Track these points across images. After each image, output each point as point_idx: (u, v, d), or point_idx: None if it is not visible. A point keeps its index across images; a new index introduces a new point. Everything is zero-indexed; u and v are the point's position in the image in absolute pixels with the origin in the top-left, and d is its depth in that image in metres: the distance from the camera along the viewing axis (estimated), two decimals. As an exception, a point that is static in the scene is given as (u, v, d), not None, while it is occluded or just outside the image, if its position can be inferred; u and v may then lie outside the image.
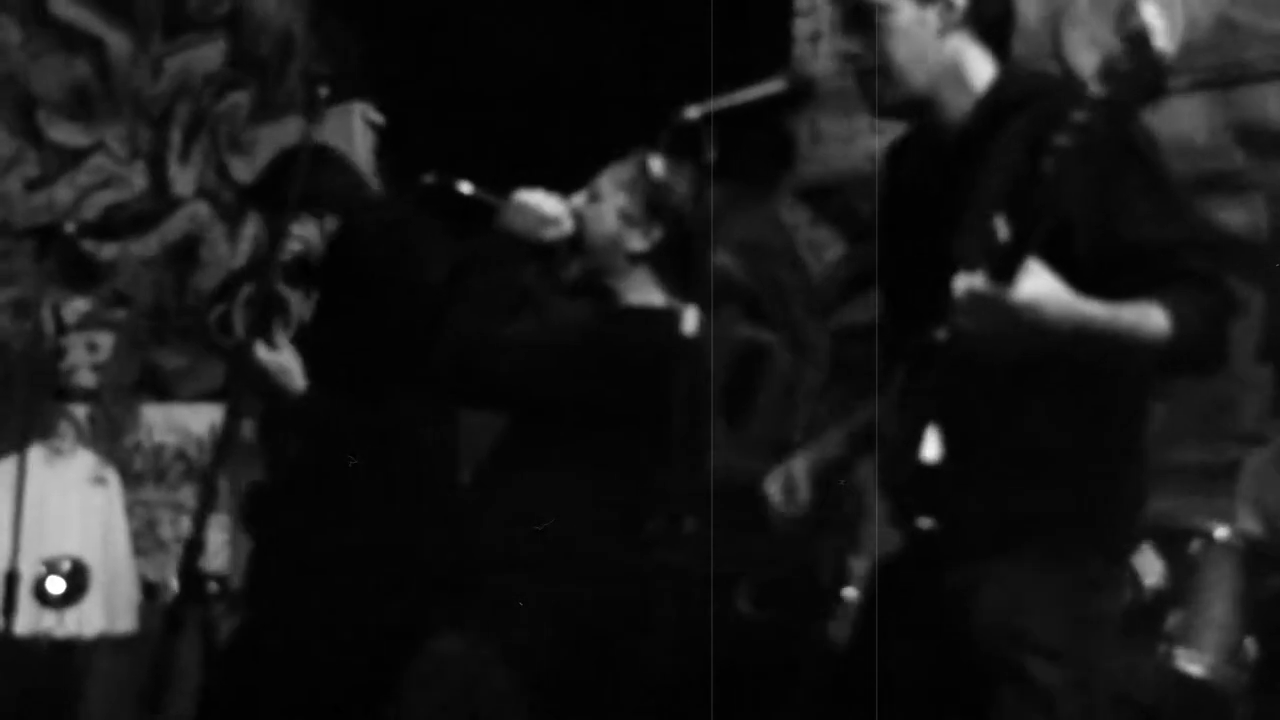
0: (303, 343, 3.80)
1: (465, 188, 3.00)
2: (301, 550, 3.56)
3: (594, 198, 3.02)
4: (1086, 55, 5.03)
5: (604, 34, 5.35)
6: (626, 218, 2.97)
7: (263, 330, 3.28)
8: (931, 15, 2.36)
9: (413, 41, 6.13)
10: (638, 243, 2.98)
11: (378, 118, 6.20)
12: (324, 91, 2.86)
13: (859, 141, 5.49)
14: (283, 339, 3.50)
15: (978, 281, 2.06)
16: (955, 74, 2.36)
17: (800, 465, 2.57)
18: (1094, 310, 2.10)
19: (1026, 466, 2.28)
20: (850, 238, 5.52)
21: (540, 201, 2.99)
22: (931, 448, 2.22)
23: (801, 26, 5.63)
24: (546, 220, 2.98)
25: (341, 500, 3.55)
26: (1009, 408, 2.25)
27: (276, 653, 3.51)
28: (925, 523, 2.30)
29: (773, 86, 2.60)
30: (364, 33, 6.51)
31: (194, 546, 2.59)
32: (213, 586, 2.48)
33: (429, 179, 2.99)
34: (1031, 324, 2.06)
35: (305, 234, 3.62)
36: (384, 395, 3.53)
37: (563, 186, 3.06)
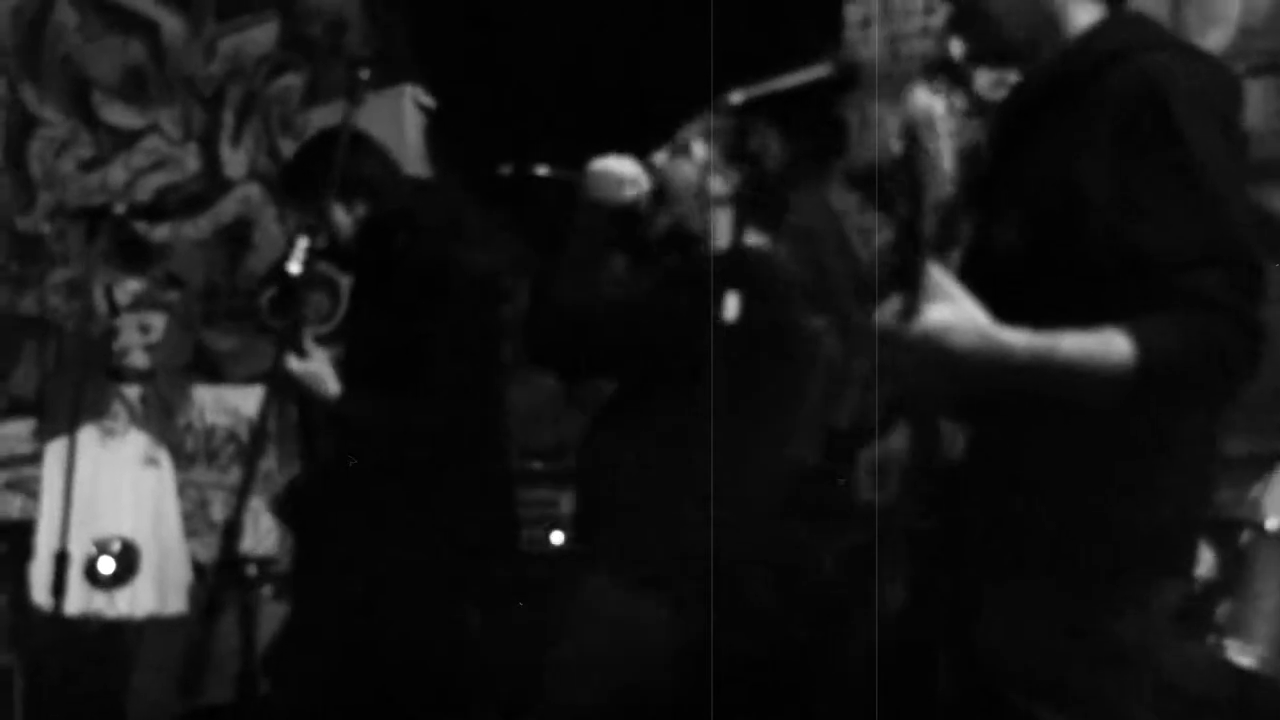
0: (341, 335, 3.82)
1: (542, 170, 3.04)
2: (343, 547, 3.58)
3: (677, 151, 3.06)
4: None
5: (655, 17, 5.34)
6: (706, 165, 3.00)
7: (291, 338, 3.28)
8: None
9: (464, 25, 6.12)
10: (719, 186, 3.00)
11: (428, 101, 6.22)
12: (365, 74, 2.86)
13: (910, 126, 5.46)
14: (311, 344, 3.49)
15: (887, 313, 1.91)
16: (1055, 21, 2.15)
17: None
18: (1016, 341, 1.86)
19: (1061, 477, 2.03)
20: (879, 229, 5.49)
21: (615, 165, 3.06)
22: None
23: (852, 12, 5.59)
24: (625, 181, 3.07)
25: (384, 498, 3.56)
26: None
27: (321, 647, 3.54)
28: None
29: (818, 72, 2.58)
30: (415, 16, 6.52)
31: (232, 530, 2.61)
32: (251, 570, 2.48)
33: (506, 170, 3.02)
34: (937, 361, 1.86)
35: (336, 220, 3.63)
36: (428, 390, 3.53)
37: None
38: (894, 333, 1.88)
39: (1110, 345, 1.83)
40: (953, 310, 1.86)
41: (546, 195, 3.13)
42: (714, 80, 2.57)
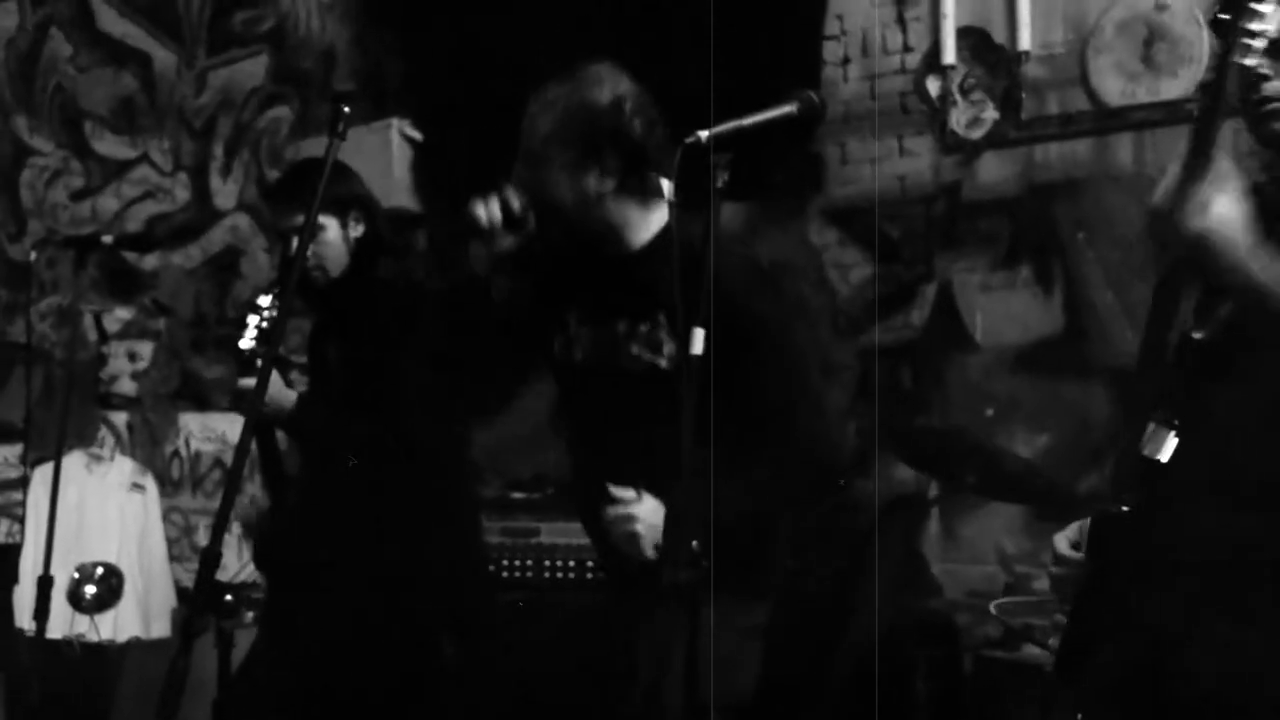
0: (315, 359, 3.89)
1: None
2: (312, 577, 3.64)
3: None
4: (1111, 81, 5.05)
5: (639, 53, 5.39)
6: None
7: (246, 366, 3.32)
8: None
9: (452, 59, 6.19)
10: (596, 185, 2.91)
11: (416, 134, 6.30)
12: (346, 110, 2.92)
13: (887, 163, 5.53)
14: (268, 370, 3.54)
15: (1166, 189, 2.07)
16: None
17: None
18: (1255, 257, 2.05)
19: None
20: (878, 259, 5.55)
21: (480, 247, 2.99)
22: (1163, 447, 2.23)
23: (831, 50, 5.67)
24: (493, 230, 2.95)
25: (351, 523, 3.63)
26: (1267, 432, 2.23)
27: (287, 670, 3.60)
28: (1123, 508, 2.27)
29: (784, 110, 2.65)
30: (405, 50, 6.60)
31: (210, 558, 2.66)
32: (228, 598, 2.53)
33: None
34: (1196, 247, 2.03)
35: (325, 239, 3.71)
36: (397, 412, 3.60)
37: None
38: (1170, 210, 2.03)
39: None
40: (1226, 211, 2.02)
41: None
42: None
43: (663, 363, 2.87)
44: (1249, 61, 2.12)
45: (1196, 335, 2.26)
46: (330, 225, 3.72)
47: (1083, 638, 2.39)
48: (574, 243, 2.97)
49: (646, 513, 2.72)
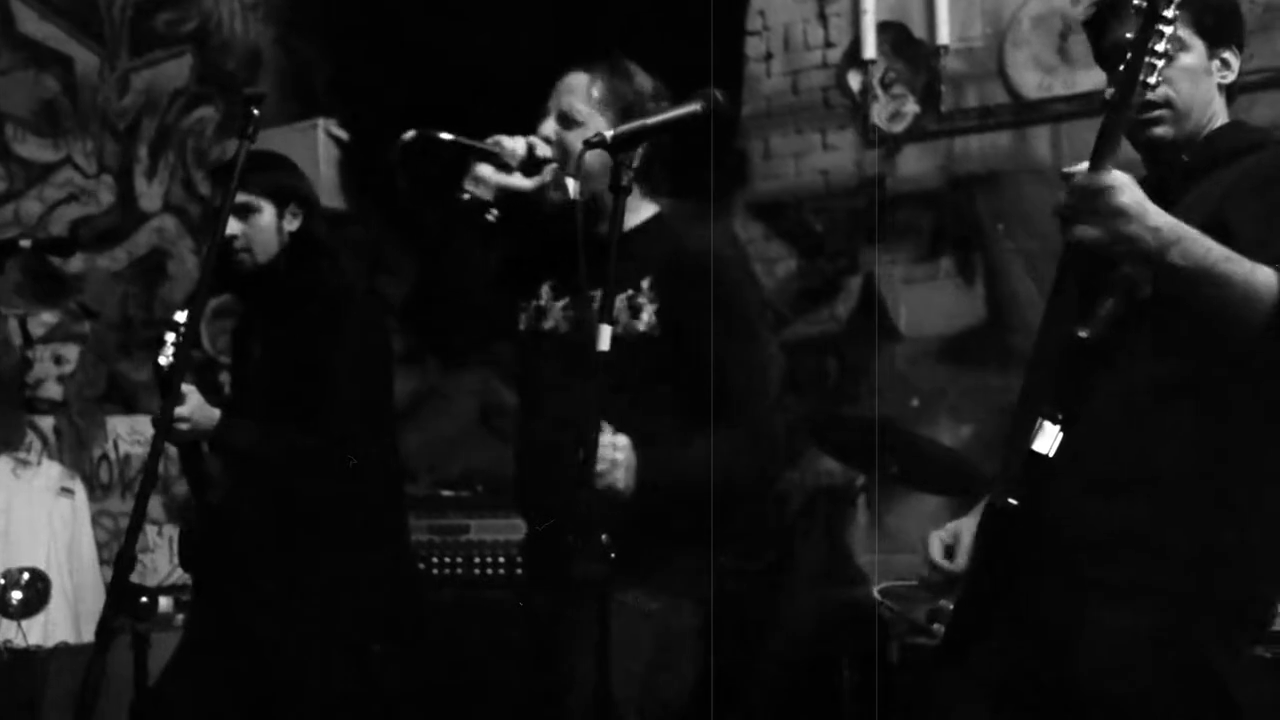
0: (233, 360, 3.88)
1: (446, 136, 2.92)
2: (235, 578, 3.63)
3: (569, 123, 3.03)
4: (1029, 74, 5.12)
5: (573, 55, 5.40)
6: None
7: (166, 385, 3.31)
8: (1215, 65, 2.54)
9: (376, 58, 6.19)
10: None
11: (342, 133, 6.29)
12: (255, 111, 2.92)
13: (810, 158, 5.58)
14: (187, 387, 3.52)
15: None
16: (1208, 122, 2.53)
17: (969, 525, 2.62)
18: (1192, 232, 2.16)
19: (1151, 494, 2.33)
20: (802, 252, 5.59)
21: (509, 141, 3.00)
22: (1049, 442, 2.29)
23: (754, 45, 5.71)
24: (519, 154, 3.00)
25: (274, 524, 3.62)
26: (1147, 422, 2.34)
27: (210, 674, 3.60)
28: (1010, 502, 2.31)
29: (689, 109, 2.68)
30: (329, 49, 6.58)
31: (124, 561, 2.66)
32: (144, 600, 2.53)
33: (408, 136, 2.93)
34: (1110, 209, 2.14)
35: (258, 223, 3.70)
36: (328, 416, 3.59)
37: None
38: (1079, 177, 2.16)
39: (1258, 270, 2.16)
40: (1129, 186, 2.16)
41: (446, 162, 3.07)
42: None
43: (640, 327, 2.92)
44: (1150, 80, 2.19)
45: (1081, 334, 2.31)
46: (266, 210, 3.71)
47: (968, 627, 2.44)
48: (568, 211, 2.97)
49: (624, 446, 2.75)
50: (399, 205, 3.31)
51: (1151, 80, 2.20)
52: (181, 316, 3.52)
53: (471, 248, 3.03)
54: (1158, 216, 2.16)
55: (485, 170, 2.98)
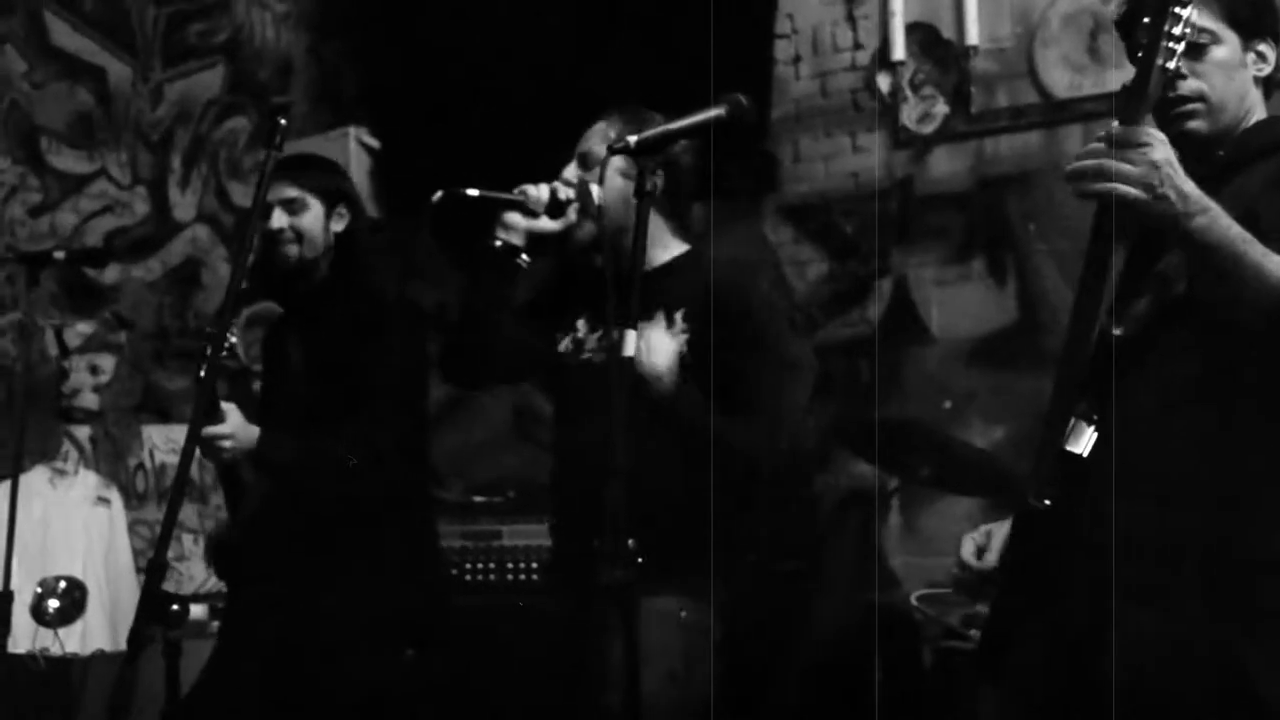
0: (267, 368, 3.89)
1: (473, 192, 3.02)
2: (269, 585, 3.64)
3: (588, 165, 3.10)
4: (1059, 74, 5.09)
5: (602, 62, 5.42)
6: (625, 175, 3.01)
7: (203, 403, 3.32)
8: (1250, 58, 2.49)
9: (408, 66, 6.20)
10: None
11: (373, 141, 6.32)
12: (283, 121, 2.93)
13: (839, 160, 5.57)
14: (226, 406, 3.53)
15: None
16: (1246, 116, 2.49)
17: (1002, 528, 2.59)
18: (1219, 209, 2.15)
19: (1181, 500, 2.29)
20: (833, 255, 5.58)
21: (520, 218, 3.08)
22: (1082, 442, 2.27)
23: (782, 48, 5.70)
24: (537, 211, 3.08)
25: (310, 538, 3.63)
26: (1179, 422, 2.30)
27: (244, 680, 3.60)
28: (1044, 502, 2.28)
29: (712, 113, 2.67)
30: (360, 58, 6.61)
31: (155, 569, 2.67)
32: (175, 608, 2.53)
33: (436, 197, 3.00)
34: (1153, 165, 2.12)
35: (307, 216, 3.72)
36: (363, 424, 3.59)
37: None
38: (1117, 130, 2.14)
39: (1269, 257, 2.14)
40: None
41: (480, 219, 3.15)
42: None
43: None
44: (1169, 64, 2.17)
45: (1116, 332, 2.30)
46: (314, 207, 3.70)
47: (1003, 632, 2.42)
48: (599, 247, 3.08)
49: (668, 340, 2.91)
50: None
51: (1175, 49, 2.17)
52: (232, 337, 3.52)
53: (504, 291, 3.14)
54: (1188, 182, 2.15)
55: (514, 217, 3.09)
